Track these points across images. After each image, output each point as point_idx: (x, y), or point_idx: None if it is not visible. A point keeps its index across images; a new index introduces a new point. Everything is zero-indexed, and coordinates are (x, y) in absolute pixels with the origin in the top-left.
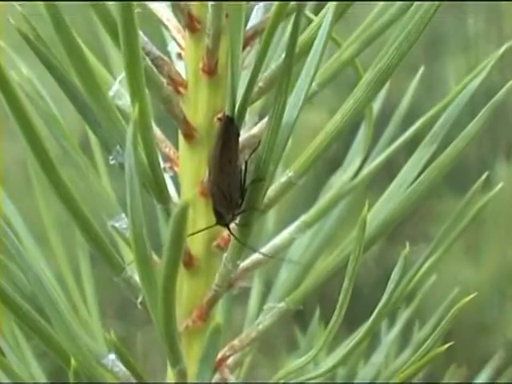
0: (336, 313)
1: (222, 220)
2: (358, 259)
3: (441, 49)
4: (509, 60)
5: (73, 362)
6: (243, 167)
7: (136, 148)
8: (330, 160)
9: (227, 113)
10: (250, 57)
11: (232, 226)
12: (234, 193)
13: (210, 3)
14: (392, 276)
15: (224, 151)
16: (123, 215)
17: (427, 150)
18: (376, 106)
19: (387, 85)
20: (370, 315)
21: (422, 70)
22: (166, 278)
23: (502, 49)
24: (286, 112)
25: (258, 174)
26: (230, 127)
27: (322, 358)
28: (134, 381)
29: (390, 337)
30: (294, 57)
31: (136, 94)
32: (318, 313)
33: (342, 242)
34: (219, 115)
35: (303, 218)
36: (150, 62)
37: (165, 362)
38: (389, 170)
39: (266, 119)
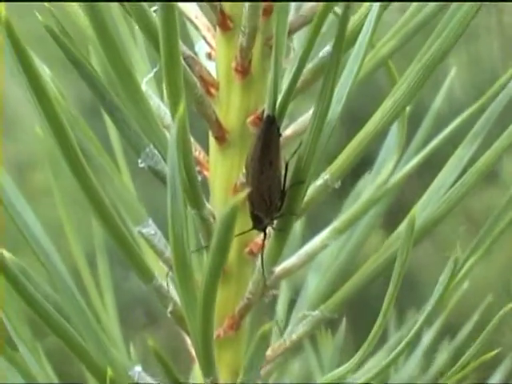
0: (379, 320)
1: (259, 224)
2: (405, 262)
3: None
4: None
5: (109, 372)
6: (283, 170)
7: (180, 157)
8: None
9: (268, 112)
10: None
11: (268, 229)
12: (273, 196)
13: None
14: (440, 280)
15: (265, 153)
16: (150, 221)
17: (468, 150)
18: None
19: None
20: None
21: (454, 70)
22: (207, 286)
23: None
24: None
25: (298, 176)
26: (271, 127)
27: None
28: None
29: (423, 344)
30: (342, 51)
31: (177, 102)
32: (344, 321)
33: (380, 248)
34: (256, 113)
35: (335, 224)
36: (182, 62)
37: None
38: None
39: (299, 120)
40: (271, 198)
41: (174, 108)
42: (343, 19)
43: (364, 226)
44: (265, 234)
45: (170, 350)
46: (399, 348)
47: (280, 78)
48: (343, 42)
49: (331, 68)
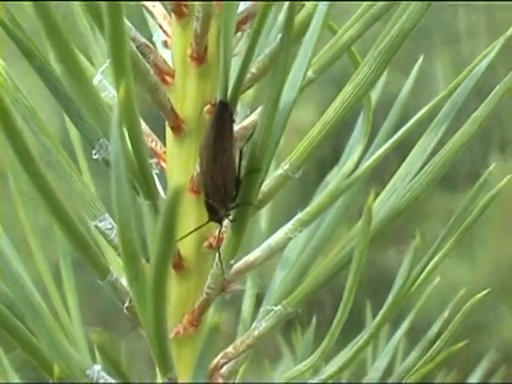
0: (339, 313)
1: (215, 215)
2: (363, 254)
3: (432, 41)
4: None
5: (56, 369)
6: (237, 157)
7: (122, 136)
8: (324, 158)
9: (220, 97)
10: (241, 43)
11: (224, 223)
12: (228, 185)
13: None
14: (400, 272)
15: (218, 139)
16: (107, 215)
17: (433, 138)
18: (373, 97)
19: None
20: (361, 319)
21: (421, 59)
22: (156, 277)
23: (510, 31)
24: (282, 97)
25: (253, 164)
26: (224, 113)
27: (319, 365)
28: None
29: (394, 339)
30: (292, 38)
31: (121, 77)
32: (314, 319)
33: (341, 241)
34: (212, 101)
35: (299, 215)
36: (134, 49)
37: (150, 372)
38: (386, 165)
39: (258, 110)
40: (226, 187)
41: (118, 88)
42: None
43: (331, 218)
44: (221, 226)
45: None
46: (360, 343)
47: (232, 65)
48: (292, 27)
49: (282, 53)
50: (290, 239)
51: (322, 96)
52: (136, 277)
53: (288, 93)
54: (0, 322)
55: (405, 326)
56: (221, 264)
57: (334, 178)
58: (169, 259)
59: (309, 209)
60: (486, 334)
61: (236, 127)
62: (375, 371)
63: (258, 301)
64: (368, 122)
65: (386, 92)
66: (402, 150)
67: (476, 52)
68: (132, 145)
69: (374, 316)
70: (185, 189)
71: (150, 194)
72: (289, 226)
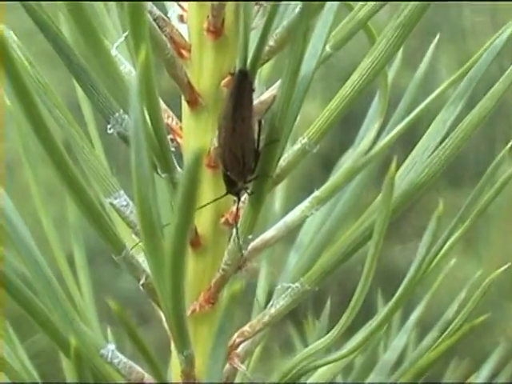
0: (357, 293)
1: (233, 188)
2: (383, 228)
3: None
4: None
5: (73, 342)
6: (257, 127)
7: (142, 108)
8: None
9: (239, 66)
10: (258, 17)
11: (244, 198)
12: (247, 156)
13: None
14: (417, 255)
15: (237, 109)
16: (122, 192)
17: (451, 112)
18: (390, 75)
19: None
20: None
21: (438, 36)
22: (174, 249)
23: None
24: (301, 68)
25: (272, 136)
26: (243, 82)
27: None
28: (137, 371)
29: (407, 327)
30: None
31: (140, 46)
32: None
33: (358, 218)
34: (232, 70)
35: (316, 193)
36: (151, 21)
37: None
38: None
39: (275, 85)
40: (245, 158)
41: (137, 56)
42: None
43: (347, 197)
44: (239, 199)
45: (161, 351)
46: (375, 324)
47: (250, 33)
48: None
49: (301, 23)
50: (306, 217)
51: (328, 92)
52: (155, 250)
53: (307, 64)
54: (17, 297)
55: (417, 312)
56: (238, 239)
57: (351, 156)
58: (188, 230)
59: (326, 186)
60: (494, 330)
61: (254, 101)
62: (392, 351)
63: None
64: (385, 100)
65: (394, 83)
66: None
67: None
68: (150, 117)
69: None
70: (203, 166)
71: (168, 167)
72: (305, 203)
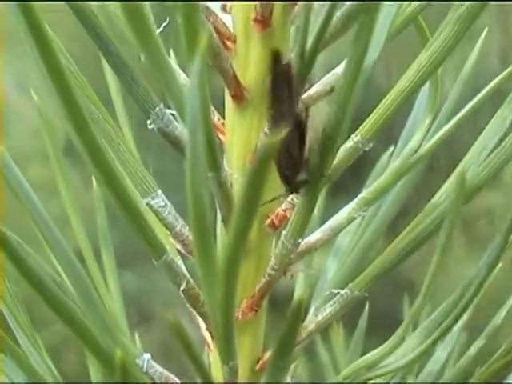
0: (423, 292)
1: (290, 184)
2: (453, 224)
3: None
4: None
5: (119, 353)
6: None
7: (201, 105)
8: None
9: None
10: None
11: (289, 198)
12: (300, 150)
13: None
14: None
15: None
16: (160, 192)
17: (510, 110)
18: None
19: None
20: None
21: (485, 31)
22: (229, 262)
23: None
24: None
25: (328, 132)
26: (277, 62)
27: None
28: (173, 380)
29: (454, 332)
30: None
31: (193, 36)
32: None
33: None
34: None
35: (363, 194)
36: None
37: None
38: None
39: (323, 79)
40: (298, 152)
41: (190, 54)
42: None
43: (391, 199)
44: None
45: (162, 350)
46: (438, 332)
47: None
48: None
49: (369, 9)
50: (353, 219)
51: None
52: (206, 256)
53: (370, 55)
54: (53, 304)
55: (465, 316)
56: (287, 242)
57: (398, 156)
58: (243, 247)
59: (373, 187)
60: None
61: (304, 96)
62: (434, 364)
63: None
64: (435, 97)
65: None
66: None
67: None
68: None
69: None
70: (246, 162)
71: (215, 165)
72: (352, 205)
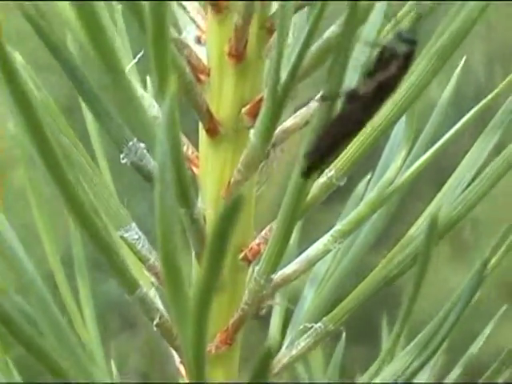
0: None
1: None
2: (426, 261)
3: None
4: None
5: None
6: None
7: (171, 140)
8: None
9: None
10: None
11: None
12: None
13: None
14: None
15: None
16: (133, 224)
17: (488, 143)
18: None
19: None
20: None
21: (463, 60)
22: (201, 298)
23: None
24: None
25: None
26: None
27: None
28: None
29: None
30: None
31: (164, 75)
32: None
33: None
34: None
35: (338, 226)
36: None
37: (143, 369)
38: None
39: (300, 111)
40: None
41: (161, 92)
42: None
43: (368, 229)
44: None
45: (147, 355)
46: (430, 349)
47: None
48: (356, 17)
49: (342, 47)
50: (329, 251)
51: None
52: (178, 294)
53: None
54: (22, 339)
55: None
56: (259, 278)
57: (375, 186)
58: (216, 283)
59: (349, 219)
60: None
61: (277, 130)
62: None
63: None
64: (412, 127)
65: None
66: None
67: None
68: (172, 151)
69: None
70: (220, 197)
71: (187, 202)
72: (328, 236)
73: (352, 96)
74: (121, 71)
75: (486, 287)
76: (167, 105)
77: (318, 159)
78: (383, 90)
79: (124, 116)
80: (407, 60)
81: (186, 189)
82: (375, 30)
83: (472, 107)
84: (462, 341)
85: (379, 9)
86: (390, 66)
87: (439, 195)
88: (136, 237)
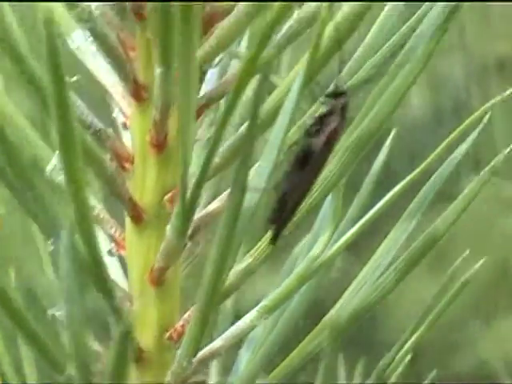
0: None
1: None
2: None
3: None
4: None
5: None
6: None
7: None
8: None
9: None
10: (203, 127)
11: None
12: None
13: (158, 69)
14: None
15: None
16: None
17: (407, 226)
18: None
19: None
20: None
21: (393, 132)
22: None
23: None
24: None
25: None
26: None
27: None
28: None
29: None
30: (257, 127)
31: (72, 174)
32: None
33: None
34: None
35: (264, 302)
36: (90, 136)
37: None
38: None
39: (218, 198)
40: None
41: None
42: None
43: (298, 301)
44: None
45: None
46: None
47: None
48: (258, 112)
49: (247, 142)
50: (255, 326)
51: None
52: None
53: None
54: None
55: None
56: (182, 360)
57: (301, 261)
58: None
59: (275, 294)
60: (467, 351)
61: (200, 212)
62: None
63: None
64: (338, 201)
65: None
66: None
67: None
68: (84, 241)
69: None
70: (145, 280)
71: (105, 290)
72: (253, 312)
73: (300, 158)
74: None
75: None
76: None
77: (280, 223)
78: (329, 144)
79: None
80: (344, 110)
81: (102, 278)
82: (282, 131)
83: None
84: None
85: (285, 113)
86: (330, 121)
87: (357, 279)
88: None
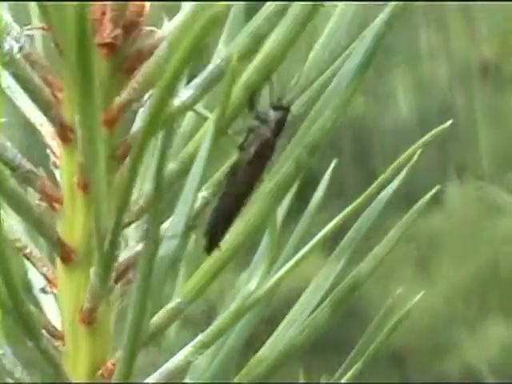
0: None
1: None
2: None
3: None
4: None
5: None
6: None
7: None
8: None
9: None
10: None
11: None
12: None
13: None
14: None
15: None
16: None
17: (335, 266)
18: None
19: None
20: None
21: (333, 164)
22: None
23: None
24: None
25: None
26: None
27: None
28: None
29: None
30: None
31: None
32: None
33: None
34: None
35: (200, 337)
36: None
37: None
38: None
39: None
40: None
41: None
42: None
43: (236, 333)
44: None
45: None
46: None
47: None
48: (163, 168)
49: (154, 200)
50: (190, 362)
51: None
52: None
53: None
54: None
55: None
56: None
57: (237, 297)
58: None
59: (210, 330)
60: (451, 355)
61: (128, 253)
62: None
63: None
64: (273, 246)
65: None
66: None
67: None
68: (7, 288)
69: None
70: (76, 319)
71: (32, 335)
72: (189, 348)
73: (233, 169)
74: None
75: None
76: None
77: (215, 236)
78: (261, 158)
79: None
80: (279, 125)
81: (28, 324)
82: (196, 181)
83: None
84: None
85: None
86: (261, 132)
87: (287, 318)
88: None
